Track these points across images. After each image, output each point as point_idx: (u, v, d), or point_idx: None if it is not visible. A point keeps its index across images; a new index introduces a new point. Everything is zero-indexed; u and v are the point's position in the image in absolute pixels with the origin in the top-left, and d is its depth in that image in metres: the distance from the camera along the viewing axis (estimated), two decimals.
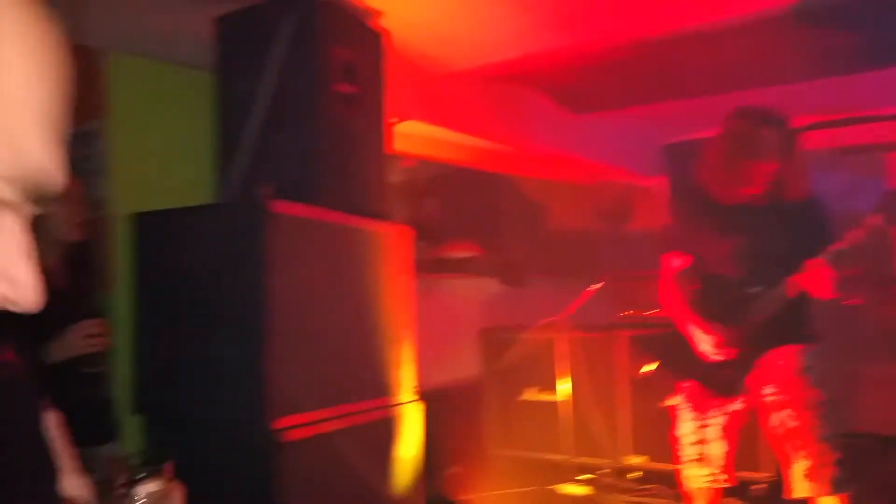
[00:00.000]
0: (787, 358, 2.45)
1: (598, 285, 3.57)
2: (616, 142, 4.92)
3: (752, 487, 3.32)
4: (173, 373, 2.29)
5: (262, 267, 2.09)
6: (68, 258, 2.14)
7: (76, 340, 2.07)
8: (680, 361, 2.59)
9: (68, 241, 2.13)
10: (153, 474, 1.08)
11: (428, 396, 2.75)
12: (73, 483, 1.21)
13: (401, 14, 3.03)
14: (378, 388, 2.53)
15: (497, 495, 3.03)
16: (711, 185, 2.54)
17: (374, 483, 2.40)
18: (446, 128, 3.92)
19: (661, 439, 2.63)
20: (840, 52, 3.42)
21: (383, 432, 2.50)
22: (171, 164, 2.77)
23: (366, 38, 2.71)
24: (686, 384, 2.58)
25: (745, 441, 2.53)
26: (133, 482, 1.08)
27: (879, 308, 4.56)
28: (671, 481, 2.77)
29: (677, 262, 2.64)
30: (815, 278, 2.30)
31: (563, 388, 3.13)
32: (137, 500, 1.05)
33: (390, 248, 2.68)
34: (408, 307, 2.74)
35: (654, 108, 4.28)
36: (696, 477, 2.56)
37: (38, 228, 1.06)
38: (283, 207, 2.17)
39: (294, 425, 2.09)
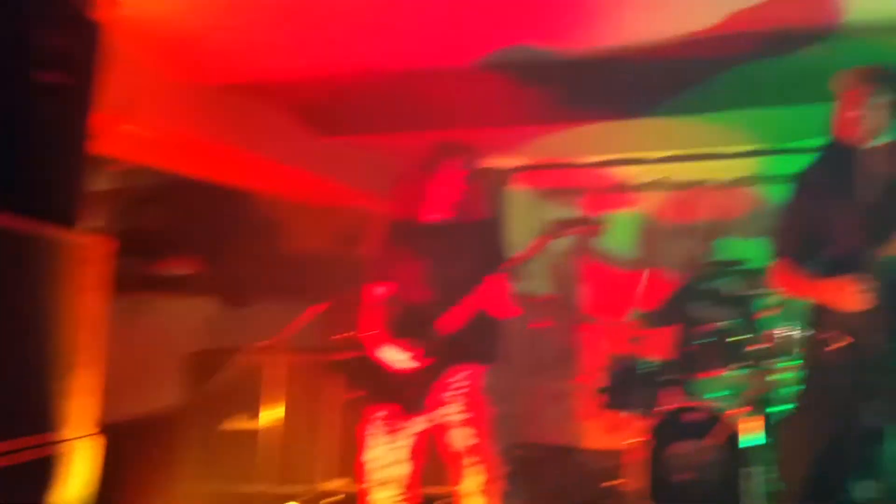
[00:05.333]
0: (466, 378, 2.61)
1: (321, 307, 3.55)
2: (359, 167, 4.97)
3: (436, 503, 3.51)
4: None
5: None
6: None
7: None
8: (375, 384, 2.67)
9: None
10: None
11: (114, 429, 2.48)
12: None
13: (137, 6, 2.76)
14: (39, 422, 2.18)
15: None
16: (405, 210, 2.74)
17: None
18: (174, 133, 3.65)
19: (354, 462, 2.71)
20: (547, 105, 3.81)
21: (41, 473, 2.17)
22: None
23: (82, 26, 2.40)
24: (379, 407, 2.65)
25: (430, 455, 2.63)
26: None
27: (561, 331, 5.16)
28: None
29: (380, 289, 2.78)
30: (492, 293, 2.53)
31: (269, 414, 3.03)
32: None
33: (82, 260, 2.38)
34: (98, 328, 2.44)
35: (395, 137, 4.41)
36: (384, 499, 2.61)
37: None
38: None
39: None
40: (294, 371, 3.09)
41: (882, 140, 2.32)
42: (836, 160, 2.38)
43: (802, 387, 2.48)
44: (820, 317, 2.35)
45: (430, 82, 3.44)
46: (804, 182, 2.50)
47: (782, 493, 2.38)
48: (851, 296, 2.15)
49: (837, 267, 2.29)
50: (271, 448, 2.99)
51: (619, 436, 4.91)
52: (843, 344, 2.20)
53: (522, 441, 5.35)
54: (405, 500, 2.63)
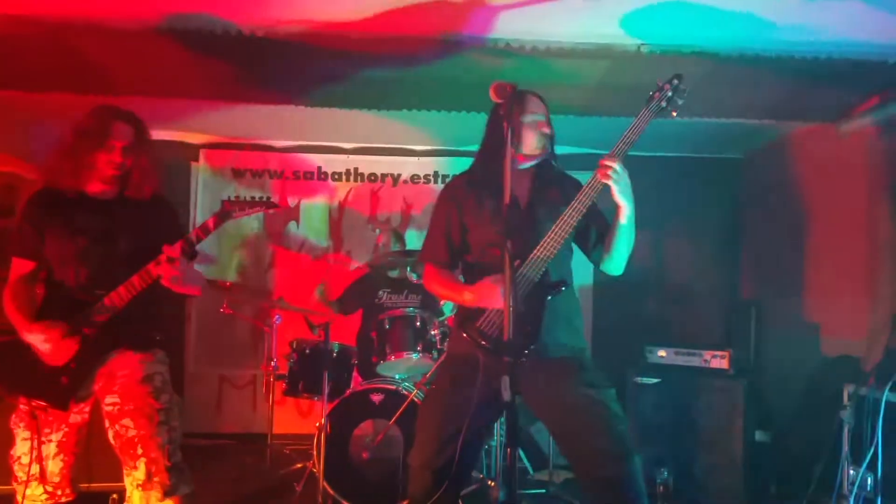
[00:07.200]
0: (129, 366, 2.43)
1: None
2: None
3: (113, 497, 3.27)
4: None
5: None
6: None
7: None
8: (14, 375, 2.41)
9: None
10: None
11: None
12: None
13: None
14: None
15: None
16: (59, 180, 2.47)
17: None
18: None
19: (2, 460, 2.46)
20: (226, 81, 3.66)
21: None
22: None
23: None
24: (23, 401, 2.40)
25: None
26: None
27: (251, 318, 5.04)
28: (10, 502, 2.55)
29: (22, 266, 2.51)
30: (162, 273, 2.38)
31: None
32: None
33: None
34: None
35: (43, 96, 3.88)
36: (35, 497, 2.42)
37: None
38: None
39: None
40: None
41: (534, 154, 2.41)
42: (483, 171, 2.44)
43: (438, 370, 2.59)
44: (460, 309, 2.45)
45: (92, 39, 3.08)
46: (448, 190, 2.55)
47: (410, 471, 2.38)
48: (488, 296, 2.24)
49: (478, 273, 2.37)
50: None
51: (310, 420, 4.99)
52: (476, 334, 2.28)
53: (209, 430, 5.19)
54: (57, 497, 2.43)
